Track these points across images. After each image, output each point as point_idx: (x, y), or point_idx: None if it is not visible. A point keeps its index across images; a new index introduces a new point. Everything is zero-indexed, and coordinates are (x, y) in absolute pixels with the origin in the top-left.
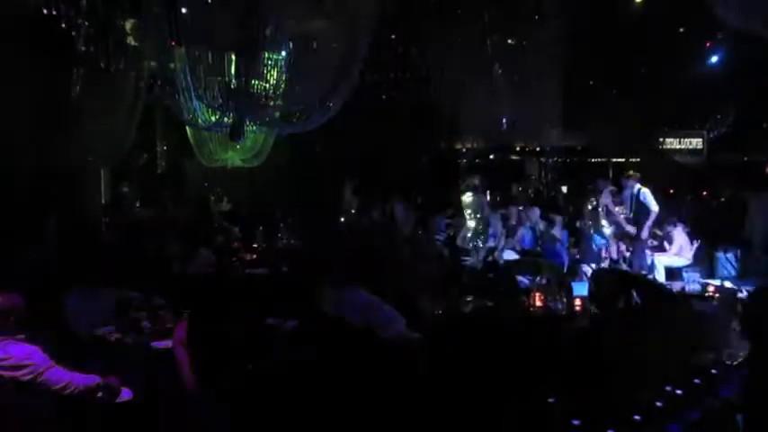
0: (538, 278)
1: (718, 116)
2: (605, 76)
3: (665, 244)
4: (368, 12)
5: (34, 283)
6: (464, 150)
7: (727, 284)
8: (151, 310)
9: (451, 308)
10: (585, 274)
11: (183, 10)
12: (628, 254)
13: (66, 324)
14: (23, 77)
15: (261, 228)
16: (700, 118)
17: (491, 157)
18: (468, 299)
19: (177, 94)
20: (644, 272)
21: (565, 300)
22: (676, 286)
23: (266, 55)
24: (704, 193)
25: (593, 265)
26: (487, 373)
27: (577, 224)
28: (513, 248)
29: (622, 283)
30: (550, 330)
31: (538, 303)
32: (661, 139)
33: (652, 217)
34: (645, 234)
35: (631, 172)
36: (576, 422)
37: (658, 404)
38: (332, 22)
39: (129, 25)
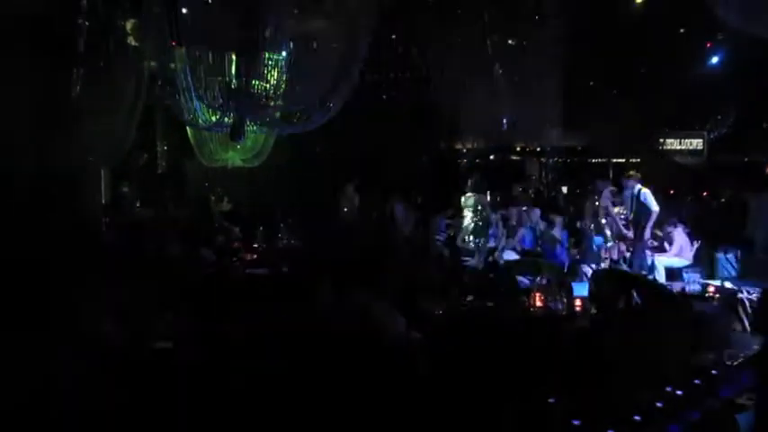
0: (538, 278)
1: (719, 117)
2: (605, 77)
3: (666, 244)
4: (368, 12)
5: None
6: (464, 150)
7: (728, 285)
8: None
9: (452, 308)
10: (586, 275)
11: (184, 10)
12: (628, 254)
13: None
14: (23, 77)
15: (261, 228)
16: (700, 118)
17: (491, 157)
18: (469, 299)
19: (178, 94)
20: (644, 272)
21: (565, 300)
22: (676, 287)
23: (267, 55)
24: (704, 193)
25: (594, 266)
26: (488, 374)
27: (578, 225)
28: (514, 249)
29: (623, 284)
30: (551, 331)
31: (538, 304)
32: (661, 140)
33: (652, 217)
34: (645, 234)
35: (632, 172)
36: (576, 422)
37: (658, 404)
38: (332, 22)
39: (129, 25)
